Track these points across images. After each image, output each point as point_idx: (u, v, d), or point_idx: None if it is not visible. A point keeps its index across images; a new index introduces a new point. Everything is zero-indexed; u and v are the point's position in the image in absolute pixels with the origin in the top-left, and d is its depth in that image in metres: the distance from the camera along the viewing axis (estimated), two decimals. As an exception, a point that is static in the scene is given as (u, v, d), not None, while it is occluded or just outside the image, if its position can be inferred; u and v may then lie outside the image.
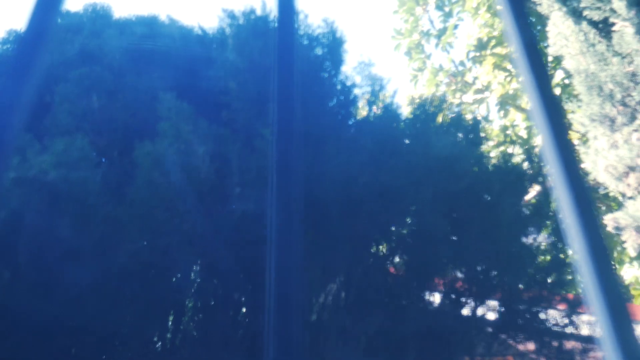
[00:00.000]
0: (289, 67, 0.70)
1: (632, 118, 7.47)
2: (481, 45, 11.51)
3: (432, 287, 3.25)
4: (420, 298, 3.15)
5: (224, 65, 3.40)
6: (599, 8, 8.64)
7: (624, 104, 7.67)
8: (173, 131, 2.92)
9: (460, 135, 3.66)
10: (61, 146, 3.11)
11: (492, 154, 12.14)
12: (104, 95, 3.78)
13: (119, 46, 4.00)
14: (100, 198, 2.98)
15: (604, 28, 8.56)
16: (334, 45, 3.75)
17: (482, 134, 3.88)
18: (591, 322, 5.99)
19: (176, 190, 2.81)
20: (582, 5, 8.60)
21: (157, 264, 2.97)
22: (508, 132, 11.10)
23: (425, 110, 3.75)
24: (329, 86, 3.61)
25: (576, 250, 0.59)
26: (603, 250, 0.55)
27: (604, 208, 11.75)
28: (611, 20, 8.49)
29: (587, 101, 7.98)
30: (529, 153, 11.05)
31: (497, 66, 10.98)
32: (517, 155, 11.33)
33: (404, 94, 13.81)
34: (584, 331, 5.20)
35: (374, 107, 3.61)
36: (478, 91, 11.28)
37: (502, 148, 11.54)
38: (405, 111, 3.94)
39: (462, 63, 12.17)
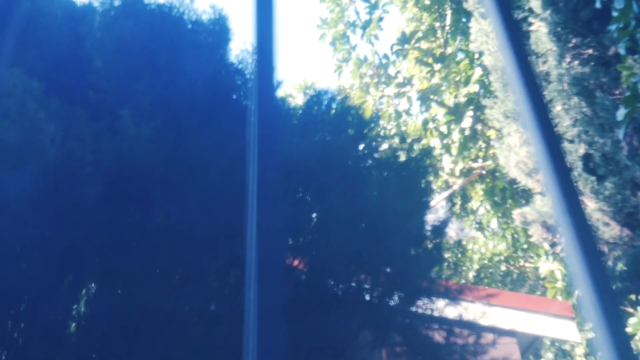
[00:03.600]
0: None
1: (544, 116, 7.66)
2: (405, 39, 11.60)
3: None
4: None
5: (92, 43, 3.24)
6: (519, 7, 8.82)
7: (537, 102, 7.86)
8: (17, 109, 2.74)
9: (345, 128, 3.61)
10: None
11: (416, 147, 12.27)
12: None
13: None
14: None
15: (523, 27, 8.75)
16: (219, 32, 3.62)
17: (368, 128, 3.83)
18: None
19: (10, 171, 2.65)
20: (503, 3, 8.74)
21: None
22: (429, 126, 11.24)
23: (311, 104, 3.67)
24: (211, 73, 3.48)
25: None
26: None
27: (523, 202, 12.10)
28: (529, 20, 8.68)
29: (503, 98, 8.15)
30: (448, 148, 11.27)
31: (420, 60, 11.08)
32: (437, 148, 11.51)
33: (331, 84, 13.82)
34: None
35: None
36: (400, 85, 11.37)
37: (424, 142, 11.71)
38: (297, 102, 3.84)
39: (385, 56, 12.23)
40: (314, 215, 3.44)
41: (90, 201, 2.78)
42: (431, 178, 13.20)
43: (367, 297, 3.45)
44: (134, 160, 2.85)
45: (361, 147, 3.66)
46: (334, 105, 3.63)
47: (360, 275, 3.44)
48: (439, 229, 4.08)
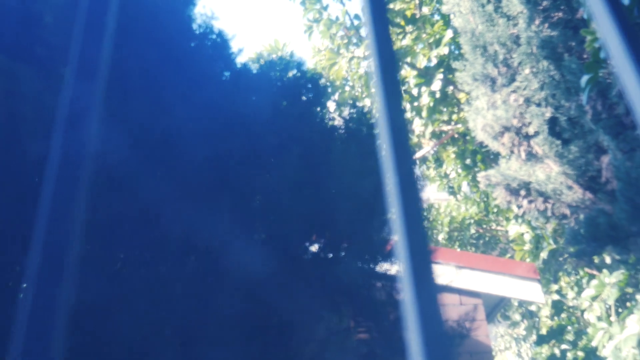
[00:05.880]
0: None
1: (512, 79, 7.66)
2: (377, -1, 11.31)
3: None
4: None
5: (42, -3, 3.14)
6: (492, -32, 8.72)
7: (507, 65, 7.85)
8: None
9: (298, 93, 3.53)
10: None
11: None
12: None
13: None
14: None
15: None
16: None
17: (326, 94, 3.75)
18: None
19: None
20: (475, -36, 8.64)
21: None
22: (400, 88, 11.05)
23: (265, 68, 3.59)
24: (170, 36, 3.37)
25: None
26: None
27: (494, 165, 12.16)
28: (502, -19, 8.60)
29: (472, 60, 8.11)
30: (418, 111, 11.23)
31: (391, 22, 10.92)
32: (408, 111, 11.47)
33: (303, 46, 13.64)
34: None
35: (218, 64, 3.38)
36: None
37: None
38: (255, 68, 3.73)
39: (357, 16, 12.05)
40: (265, 178, 3.40)
41: (33, 159, 2.71)
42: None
43: (321, 260, 3.45)
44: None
45: (317, 111, 3.61)
46: (290, 70, 3.56)
47: (312, 236, 3.44)
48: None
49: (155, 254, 2.87)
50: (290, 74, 3.54)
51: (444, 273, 7.72)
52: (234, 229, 2.94)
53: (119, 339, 2.62)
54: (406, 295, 0.54)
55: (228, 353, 2.84)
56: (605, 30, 0.72)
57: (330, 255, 3.44)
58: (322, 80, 3.64)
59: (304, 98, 3.52)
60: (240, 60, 3.54)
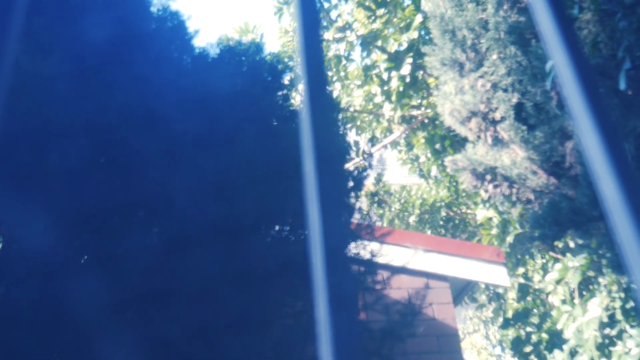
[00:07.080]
0: None
1: (479, 65, 7.69)
2: (345, -19, 11.37)
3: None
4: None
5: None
6: (461, -47, 8.70)
7: (475, 50, 7.87)
8: None
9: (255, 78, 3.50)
10: None
11: (357, 94, 12.26)
12: None
13: None
14: None
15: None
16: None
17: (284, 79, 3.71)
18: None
19: None
20: (446, -52, 8.62)
21: None
22: (371, 72, 11.11)
23: (224, 52, 3.55)
24: (127, 13, 3.30)
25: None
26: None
27: (462, 150, 12.21)
28: (472, -35, 8.59)
29: (441, 45, 8.12)
30: (388, 95, 11.24)
31: (362, 4, 10.88)
32: (378, 95, 11.49)
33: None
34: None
35: (175, 46, 3.31)
36: (340, 29, 11.18)
37: (365, 88, 11.65)
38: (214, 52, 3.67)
39: (327, -1, 11.99)
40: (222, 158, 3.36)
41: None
42: (374, 124, 13.24)
43: (277, 243, 3.44)
44: (29, 97, 2.72)
45: (276, 94, 3.58)
46: (250, 54, 3.51)
47: (267, 218, 3.43)
48: (358, 180, 4.10)
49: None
50: (250, 57, 3.50)
51: (399, 255, 7.74)
52: (185, 209, 2.91)
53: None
54: (317, 279, 0.53)
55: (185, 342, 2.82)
56: (543, 25, 0.70)
57: (287, 237, 3.44)
58: (282, 65, 3.61)
59: (263, 80, 3.49)
60: (198, 42, 3.49)
